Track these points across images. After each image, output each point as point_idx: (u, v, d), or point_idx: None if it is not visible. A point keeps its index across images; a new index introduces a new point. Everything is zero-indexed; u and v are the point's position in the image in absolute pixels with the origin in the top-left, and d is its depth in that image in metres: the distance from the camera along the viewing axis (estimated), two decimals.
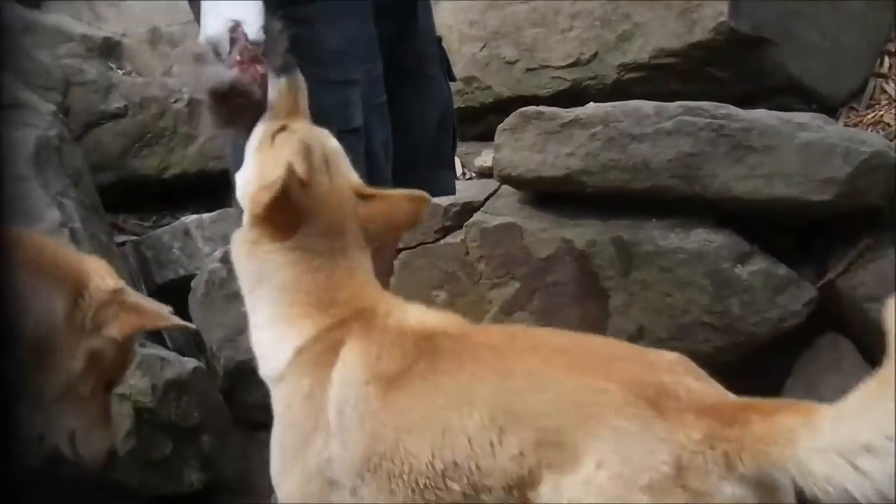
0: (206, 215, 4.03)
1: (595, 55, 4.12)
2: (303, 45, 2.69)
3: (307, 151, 2.30)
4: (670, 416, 2.07)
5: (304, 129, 2.37)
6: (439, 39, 3.09)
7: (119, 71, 4.32)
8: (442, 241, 3.79)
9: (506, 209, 3.84)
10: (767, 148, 3.73)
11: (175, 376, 3.51)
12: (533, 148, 3.75)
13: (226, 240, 3.91)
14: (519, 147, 3.76)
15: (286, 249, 2.27)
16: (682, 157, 3.73)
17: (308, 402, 2.18)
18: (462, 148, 4.16)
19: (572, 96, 4.05)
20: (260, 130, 2.37)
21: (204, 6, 2.54)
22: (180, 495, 3.56)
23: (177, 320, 2.91)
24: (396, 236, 2.48)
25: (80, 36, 4.28)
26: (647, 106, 3.80)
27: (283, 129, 2.36)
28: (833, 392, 3.79)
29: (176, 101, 4.26)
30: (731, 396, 2.17)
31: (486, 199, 3.88)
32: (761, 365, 3.84)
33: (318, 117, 2.70)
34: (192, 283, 3.81)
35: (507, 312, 3.76)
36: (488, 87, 4.16)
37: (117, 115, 4.23)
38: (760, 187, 3.73)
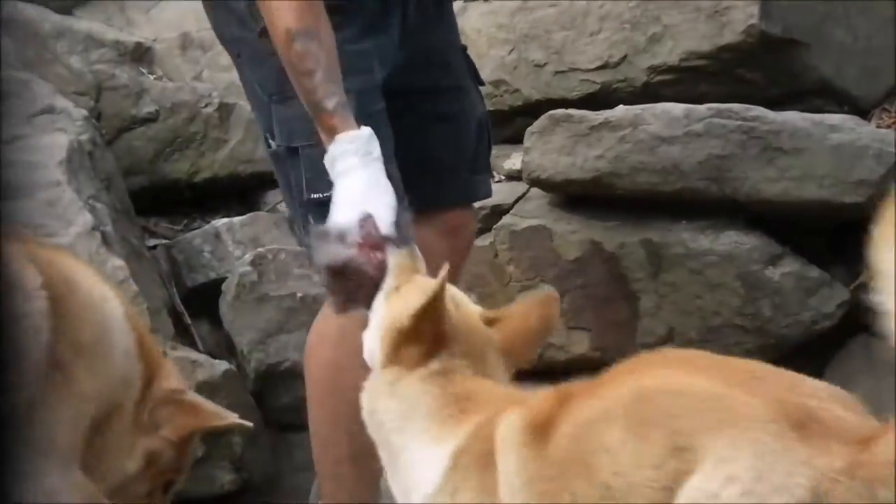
0: (236, 219, 4.04)
1: (624, 58, 4.12)
2: None
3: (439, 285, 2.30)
4: (814, 440, 1.99)
5: (426, 279, 2.39)
6: (464, 48, 3.12)
7: (150, 76, 4.34)
8: None
9: (535, 212, 3.84)
10: (798, 150, 3.73)
11: (206, 378, 3.53)
12: (562, 150, 3.75)
13: (256, 243, 3.93)
14: (548, 150, 3.76)
15: (428, 376, 2.25)
16: (713, 159, 3.72)
17: (478, 493, 2.15)
18: (492, 151, 4.16)
19: (601, 99, 4.05)
20: (382, 291, 2.40)
21: (338, 193, 2.58)
22: (212, 497, 3.57)
23: (234, 418, 2.93)
24: (537, 346, 2.46)
25: (112, 41, 4.31)
26: (677, 108, 3.80)
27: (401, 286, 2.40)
28: (866, 395, 3.79)
29: (206, 106, 4.28)
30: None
31: (516, 201, 3.89)
32: (793, 367, 3.81)
33: (314, 127, 2.74)
34: (223, 287, 3.82)
35: None
36: (517, 91, 4.17)
37: (148, 120, 4.25)
38: (791, 189, 3.72)
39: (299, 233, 2.92)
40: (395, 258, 2.43)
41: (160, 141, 4.26)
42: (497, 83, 4.16)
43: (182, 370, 3.50)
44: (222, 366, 3.58)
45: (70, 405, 2.91)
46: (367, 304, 2.39)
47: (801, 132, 3.74)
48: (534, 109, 4.00)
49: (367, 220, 2.52)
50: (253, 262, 3.74)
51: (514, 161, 4.04)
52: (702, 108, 3.80)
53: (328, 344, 2.85)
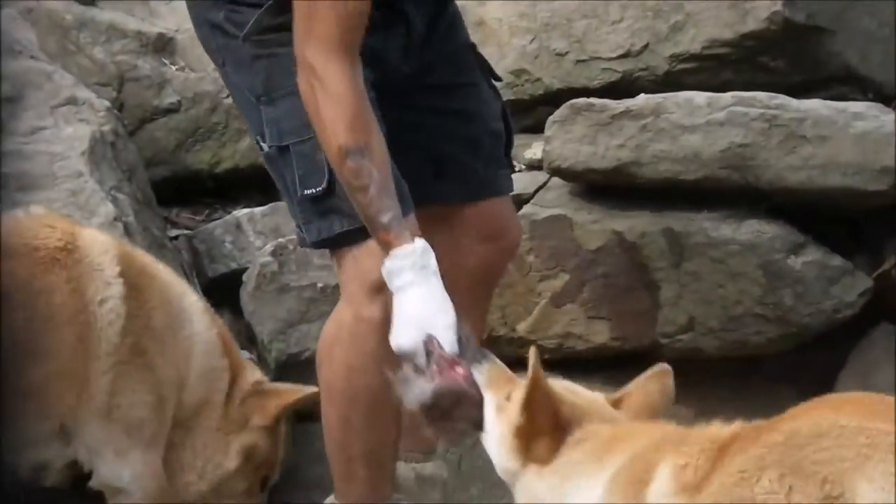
0: (257, 209, 4.05)
1: (646, 46, 4.10)
2: (283, 58, 2.76)
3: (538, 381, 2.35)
4: None
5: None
6: (473, 46, 3.12)
7: (172, 67, 4.35)
8: None
9: (556, 201, 3.83)
10: (821, 138, 3.71)
11: None
12: (583, 140, 3.74)
13: (277, 233, 3.94)
14: (569, 139, 3.75)
15: (568, 448, 2.32)
16: (735, 147, 3.71)
17: None
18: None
19: (623, 88, 4.04)
20: (491, 407, 2.43)
21: (397, 311, 2.63)
22: None
23: (312, 389, 3.01)
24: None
25: (134, 32, 4.32)
26: (699, 97, 3.79)
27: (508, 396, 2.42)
28: (887, 383, 3.78)
29: (228, 97, 4.28)
30: None
31: (536, 191, 3.88)
32: (814, 356, 3.82)
33: (302, 121, 2.76)
34: (244, 277, 3.84)
35: (557, 305, 3.76)
36: (538, 80, 4.16)
37: (170, 111, 4.26)
38: (814, 177, 3.71)
39: (300, 233, 2.92)
40: (485, 373, 2.46)
41: (182, 131, 4.27)
42: (518, 72, 4.16)
43: None
44: (243, 356, 3.59)
45: (151, 390, 2.99)
46: (475, 422, 2.43)
47: (824, 120, 3.73)
48: (555, 98, 3.99)
49: (430, 341, 2.55)
50: (274, 253, 3.74)
51: (534, 150, 4.04)
52: (724, 97, 3.79)
53: (340, 346, 2.86)
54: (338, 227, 2.80)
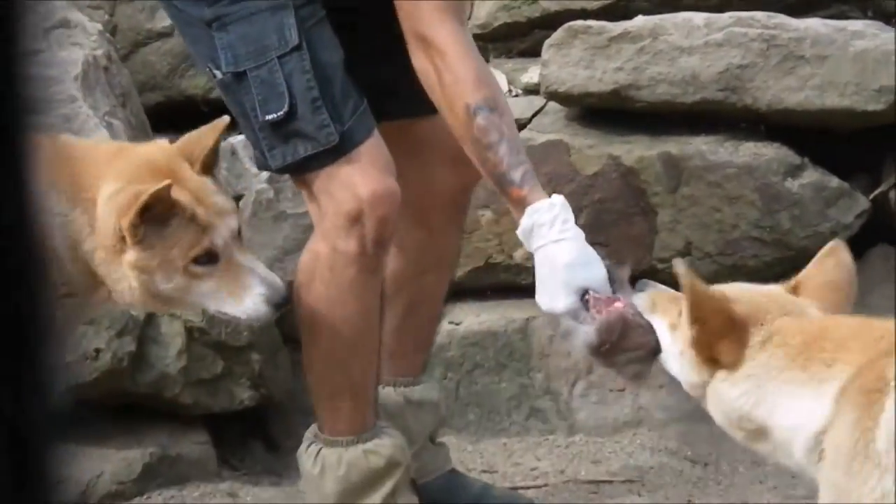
0: None
1: None
2: None
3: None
4: None
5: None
6: None
7: None
8: None
9: (552, 126, 3.81)
10: (820, 58, 3.68)
11: None
12: (580, 63, 3.71)
13: None
14: (566, 63, 3.72)
15: (759, 346, 2.21)
16: (733, 69, 3.68)
17: (856, 439, 2.07)
18: (508, 64, 4.12)
19: (621, 9, 3.99)
20: (662, 329, 2.33)
21: (545, 278, 2.53)
22: (231, 412, 3.61)
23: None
24: (848, 294, 2.34)
25: None
26: (698, 17, 3.75)
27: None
28: (885, 304, 3.79)
29: None
30: None
31: (533, 115, 3.86)
32: None
33: (258, 46, 2.71)
34: (240, 204, 3.82)
35: None
36: (535, 2, 4.11)
37: (164, 35, 4.21)
38: (813, 98, 3.69)
39: (260, 159, 2.87)
40: (645, 297, 2.39)
41: (176, 56, 4.22)
42: None
43: None
44: None
45: None
46: (650, 348, 2.35)
47: (823, 39, 3.69)
48: (552, 21, 3.95)
49: (586, 295, 2.48)
50: (270, 180, 3.73)
51: (531, 75, 4.00)
52: (723, 17, 3.75)
53: (319, 280, 2.84)
54: (302, 150, 2.77)
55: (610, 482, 3.50)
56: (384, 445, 2.92)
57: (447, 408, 3.44)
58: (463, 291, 3.79)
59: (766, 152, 3.74)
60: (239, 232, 2.69)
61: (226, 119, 2.78)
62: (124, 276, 2.61)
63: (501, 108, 2.67)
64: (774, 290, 2.33)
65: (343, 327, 2.85)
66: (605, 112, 3.75)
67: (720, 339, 2.21)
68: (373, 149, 2.80)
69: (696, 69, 3.69)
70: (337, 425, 2.92)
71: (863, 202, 3.76)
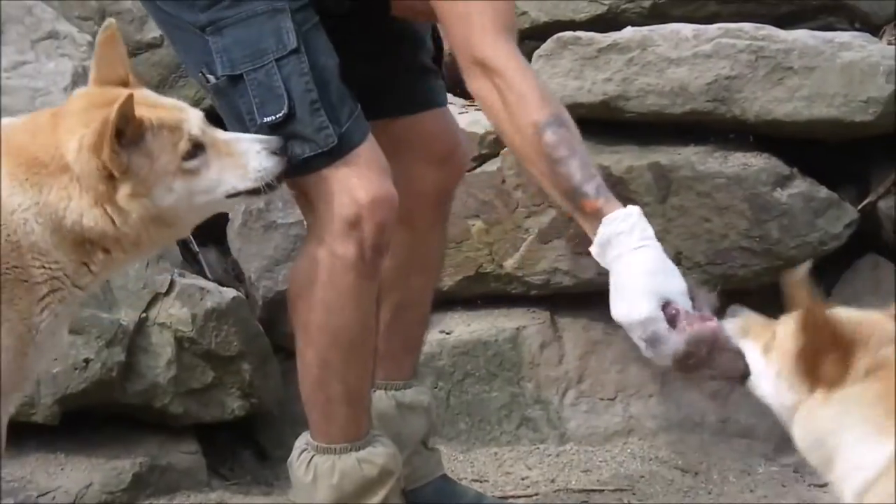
0: None
1: None
2: None
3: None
4: None
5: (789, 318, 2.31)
6: None
7: None
8: (478, 170, 3.78)
9: None
10: (808, 69, 3.70)
11: (215, 306, 3.54)
12: (569, 74, 3.73)
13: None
14: (556, 73, 3.74)
15: (859, 378, 2.20)
16: (721, 80, 3.70)
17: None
18: None
19: (610, 21, 4.02)
20: (754, 353, 2.33)
21: (622, 287, 2.51)
22: (222, 422, 3.61)
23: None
24: None
25: None
26: (686, 29, 3.77)
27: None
28: None
29: None
30: None
31: None
32: None
33: (255, 49, 2.72)
34: (231, 214, 3.83)
35: (545, 240, 3.76)
36: (524, 13, 4.13)
37: (153, 46, 4.22)
38: (801, 109, 3.71)
39: None
40: (738, 322, 2.38)
41: (165, 67, 4.22)
42: None
43: (191, 297, 3.53)
44: (230, 293, 3.60)
45: None
46: (738, 372, 2.34)
47: (811, 51, 3.72)
48: (541, 32, 3.97)
49: (668, 306, 2.45)
50: None
51: None
52: (711, 28, 3.77)
53: (317, 285, 2.82)
54: (300, 152, 2.76)
55: (601, 491, 3.50)
56: (378, 454, 2.92)
57: (438, 417, 3.44)
58: (453, 301, 3.80)
59: (755, 163, 3.76)
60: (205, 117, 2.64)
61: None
62: (126, 217, 2.54)
63: (568, 123, 2.66)
64: (881, 317, 2.30)
65: (341, 333, 2.84)
66: (595, 122, 3.76)
67: (826, 354, 2.19)
68: (370, 152, 2.80)
69: (684, 80, 3.71)
70: (331, 432, 2.91)
71: (851, 212, 3.78)
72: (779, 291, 3.77)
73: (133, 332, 3.48)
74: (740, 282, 3.76)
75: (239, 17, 2.75)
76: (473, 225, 3.78)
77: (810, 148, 3.84)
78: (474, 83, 2.70)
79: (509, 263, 3.78)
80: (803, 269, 2.28)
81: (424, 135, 2.85)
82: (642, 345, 2.48)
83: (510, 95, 2.65)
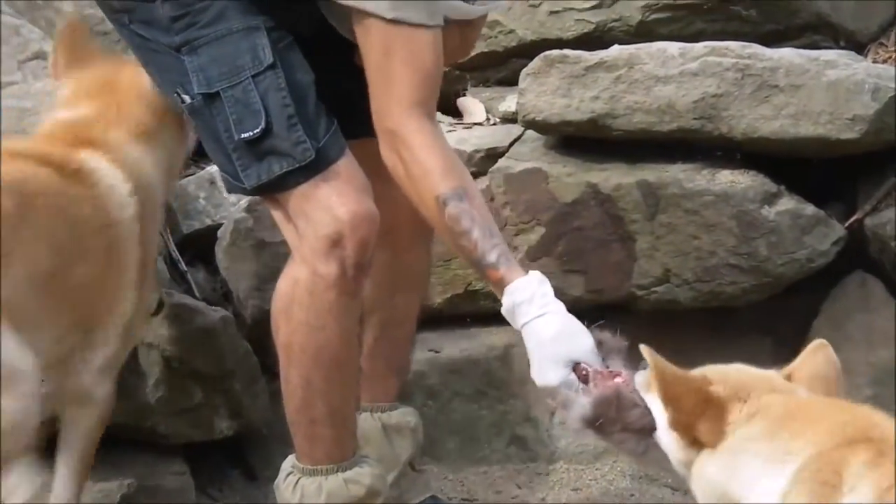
0: None
1: None
2: (202, 12, 2.77)
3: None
4: None
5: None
6: None
7: None
8: None
9: (530, 154, 3.83)
10: (794, 87, 3.71)
11: (203, 325, 3.53)
12: (557, 92, 3.74)
13: None
14: (543, 91, 3.74)
15: (739, 424, 2.25)
16: (708, 98, 3.71)
17: None
18: (486, 93, 4.15)
19: (596, 39, 4.03)
20: (658, 403, 2.35)
21: (535, 355, 2.58)
22: (211, 442, 3.59)
23: None
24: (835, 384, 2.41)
25: None
26: (672, 47, 3.78)
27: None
28: (861, 331, 3.80)
29: None
30: None
31: (511, 144, 3.88)
32: (789, 305, 3.84)
33: (231, 66, 2.73)
34: (219, 233, 3.82)
35: (533, 258, 3.76)
36: (511, 31, 4.14)
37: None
38: (787, 127, 3.72)
39: (231, 182, 2.87)
40: (643, 374, 2.41)
41: None
42: (491, 24, 4.13)
43: (179, 317, 3.52)
44: (219, 312, 3.59)
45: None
46: (646, 425, 2.38)
47: (797, 69, 3.73)
48: (529, 50, 3.98)
49: (578, 368, 2.51)
50: (248, 209, 3.73)
51: (508, 103, 4.03)
52: (697, 47, 3.78)
53: (298, 305, 2.83)
54: (277, 168, 2.77)
55: None
56: (364, 474, 2.91)
57: (427, 436, 3.43)
58: (443, 319, 3.80)
59: (742, 180, 3.76)
60: None
61: None
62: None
63: (471, 194, 2.71)
64: (768, 372, 2.36)
65: (323, 353, 2.83)
66: (583, 140, 3.78)
67: (697, 418, 2.25)
68: (348, 168, 2.81)
69: (671, 98, 3.72)
70: (316, 453, 2.90)
71: (839, 230, 3.79)
72: (767, 309, 3.82)
73: None
74: (729, 299, 3.77)
75: (214, 35, 2.77)
76: None
77: (797, 165, 3.85)
78: (384, 152, 2.76)
79: None
80: (646, 348, 2.31)
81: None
82: (559, 411, 2.54)
83: (414, 168, 2.70)
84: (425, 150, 2.70)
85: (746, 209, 3.73)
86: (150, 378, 3.50)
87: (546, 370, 2.55)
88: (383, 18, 2.70)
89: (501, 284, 2.64)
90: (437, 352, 3.80)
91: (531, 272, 2.66)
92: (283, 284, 2.88)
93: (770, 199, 3.76)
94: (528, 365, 3.71)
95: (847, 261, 3.83)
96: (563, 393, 2.51)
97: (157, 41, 2.83)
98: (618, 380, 2.47)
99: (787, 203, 3.77)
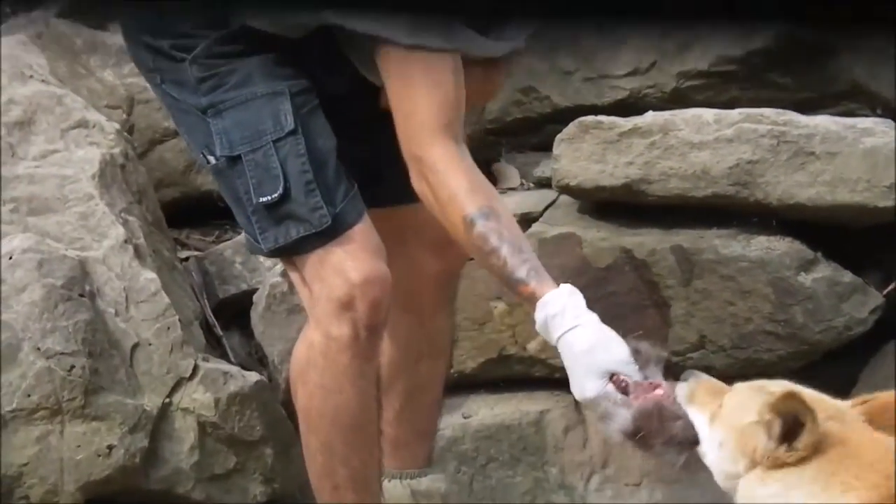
0: None
1: (654, 64, 4.11)
2: (228, 74, 2.81)
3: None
4: None
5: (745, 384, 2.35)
6: None
7: None
8: None
9: (564, 219, 3.83)
10: (830, 154, 3.71)
11: (237, 390, 3.54)
12: (591, 157, 3.75)
13: None
14: (577, 157, 3.75)
15: (801, 454, 2.23)
16: (743, 164, 3.71)
17: None
18: (520, 158, 4.17)
19: (631, 105, 4.05)
20: (701, 418, 2.36)
21: (572, 367, 2.59)
22: None
23: None
24: None
25: None
26: (707, 113, 3.79)
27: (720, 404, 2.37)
28: None
29: None
30: None
31: (545, 209, 3.88)
32: (826, 373, 3.80)
33: (254, 131, 2.77)
34: (254, 298, 3.84)
35: None
36: (546, 98, 4.16)
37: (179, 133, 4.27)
38: (824, 194, 3.70)
39: (252, 243, 2.89)
40: (685, 387, 2.41)
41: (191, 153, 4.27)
42: (526, 90, 4.17)
43: (213, 382, 3.53)
44: (253, 377, 3.60)
45: None
46: (686, 438, 2.37)
47: (832, 136, 3.72)
48: (563, 116, 3.99)
49: (616, 380, 2.51)
50: (284, 273, 3.74)
51: (543, 168, 4.04)
52: (732, 113, 3.78)
53: (313, 369, 2.83)
54: (294, 232, 2.80)
55: None
56: None
57: (460, 502, 3.41)
58: (476, 384, 3.79)
59: (778, 246, 3.75)
60: None
61: None
62: None
63: (498, 211, 2.72)
64: (840, 403, 2.34)
65: (341, 415, 2.83)
66: (617, 205, 3.78)
67: (779, 438, 2.22)
68: (364, 233, 2.83)
69: (706, 164, 3.72)
70: None
71: (876, 297, 3.77)
72: (804, 377, 3.79)
73: (156, 417, 3.48)
74: (765, 366, 3.73)
75: (239, 99, 2.81)
76: (495, 307, 3.78)
77: (834, 232, 3.83)
78: (413, 180, 2.77)
79: (532, 346, 3.77)
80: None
81: (425, 220, 2.89)
82: (600, 423, 2.51)
83: (441, 192, 2.71)
84: (450, 172, 2.71)
85: (783, 276, 3.71)
86: (185, 443, 3.51)
87: (584, 382, 2.53)
88: (402, 45, 2.72)
89: (533, 299, 2.64)
90: (470, 417, 3.78)
91: (562, 285, 2.65)
92: (299, 349, 2.89)
93: (807, 265, 3.74)
94: (563, 431, 3.74)
95: (885, 329, 3.80)
96: (603, 405, 2.49)
97: (186, 101, 2.87)
98: (658, 392, 2.44)
99: (824, 270, 3.75)
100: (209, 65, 2.83)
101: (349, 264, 2.78)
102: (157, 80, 2.92)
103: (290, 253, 2.82)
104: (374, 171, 2.95)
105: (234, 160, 2.81)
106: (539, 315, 2.63)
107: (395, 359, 2.99)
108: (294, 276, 2.89)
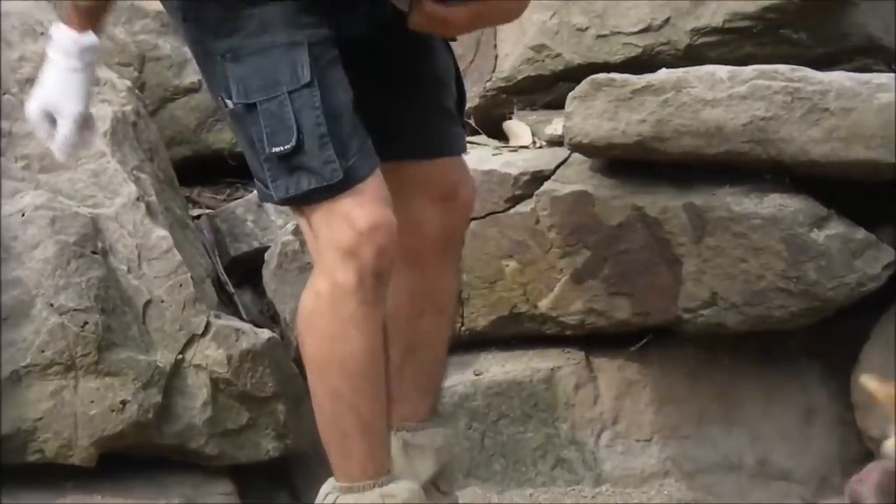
0: None
1: (667, 20, 4.08)
2: (249, 19, 2.80)
3: None
4: None
5: None
6: None
7: None
8: (512, 211, 3.78)
9: (576, 177, 3.83)
10: (844, 110, 3.69)
11: (250, 347, 3.56)
12: (604, 115, 3.73)
13: None
14: (590, 115, 3.74)
15: None
16: (757, 121, 3.69)
17: None
18: (532, 116, 4.16)
19: (644, 62, 4.02)
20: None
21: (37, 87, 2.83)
22: (257, 463, 3.61)
23: None
24: None
25: (155, 12, 4.32)
26: (721, 70, 3.77)
27: None
28: None
29: None
30: None
31: (557, 167, 3.87)
32: (839, 330, 3.81)
33: (270, 80, 2.77)
34: (266, 256, 3.85)
35: (578, 281, 3.75)
36: (559, 55, 4.14)
37: (191, 90, 4.27)
38: (838, 150, 3.69)
39: (262, 190, 2.90)
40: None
41: (203, 111, 4.27)
42: (538, 48, 4.15)
43: (226, 339, 3.55)
44: (265, 334, 3.61)
45: None
46: None
47: (847, 92, 3.70)
48: (575, 74, 3.98)
49: None
50: (295, 231, 3.75)
51: (555, 126, 4.03)
52: (746, 70, 3.76)
53: (320, 317, 2.84)
54: (305, 184, 2.80)
55: None
56: (401, 489, 2.90)
57: (471, 459, 3.43)
58: (487, 341, 3.80)
59: (791, 203, 3.74)
60: None
61: None
62: None
63: None
64: None
65: (348, 362, 2.84)
66: (630, 163, 3.77)
67: None
68: (374, 184, 2.83)
69: (720, 121, 3.71)
70: (351, 470, 2.89)
71: (890, 253, 3.76)
72: (816, 333, 3.79)
73: (169, 373, 3.50)
74: (777, 323, 3.74)
75: (258, 46, 2.81)
76: (507, 265, 3.78)
77: (847, 189, 3.82)
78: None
79: (544, 304, 3.77)
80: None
81: (429, 176, 2.88)
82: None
83: None
84: None
85: (796, 232, 3.71)
86: (198, 399, 3.52)
87: (30, 101, 3.01)
88: None
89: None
90: (481, 374, 3.80)
91: (89, 32, 2.95)
92: (306, 298, 2.90)
93: (820, 222, 3.73)
94: (573, 387, 3.75)
95: None
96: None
97: (207, 44, 2.88)
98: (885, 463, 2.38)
99: (837, 227, 3.74)
100: (231, 5, 2.82)
101: (356, 212, 2.79)
102: (181, 16, 2.92)
103: (300, 202, 2.84)
104: (388, 125, 2.94)
105: (250, 107, 2.82)
106: (55, 33, 2.91)
107: (396, 313, 2.99)
108: (303, 224, 2.90)
